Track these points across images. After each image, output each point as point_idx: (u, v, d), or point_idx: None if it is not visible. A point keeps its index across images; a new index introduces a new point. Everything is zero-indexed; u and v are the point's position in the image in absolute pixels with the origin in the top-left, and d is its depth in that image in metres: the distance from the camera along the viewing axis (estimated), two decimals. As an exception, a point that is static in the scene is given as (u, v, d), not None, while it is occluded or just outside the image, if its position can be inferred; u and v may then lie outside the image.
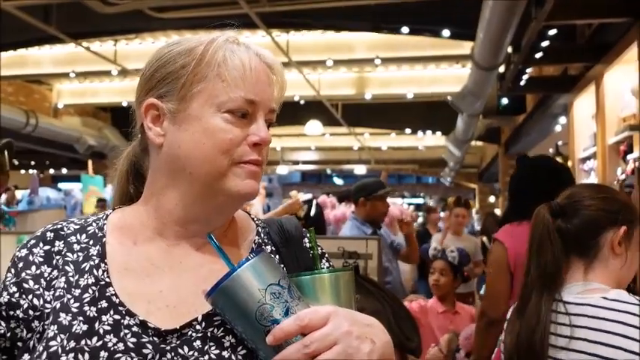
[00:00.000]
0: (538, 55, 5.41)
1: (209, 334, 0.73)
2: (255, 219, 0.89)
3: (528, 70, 6.05)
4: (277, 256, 0.83)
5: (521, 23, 4.89)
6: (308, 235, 0.88)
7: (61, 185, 16.28)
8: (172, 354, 0.71)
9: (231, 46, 0.79)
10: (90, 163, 7.02)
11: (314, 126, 10.34)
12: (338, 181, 21.68)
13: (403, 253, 3.47)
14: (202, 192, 0.77)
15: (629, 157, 4.51)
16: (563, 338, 1.13)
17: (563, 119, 7.23)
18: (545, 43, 5.19)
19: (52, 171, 15.67)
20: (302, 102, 10.89)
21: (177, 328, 0.73)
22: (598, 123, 5.34)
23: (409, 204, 15.42)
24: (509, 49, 5.77)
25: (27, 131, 9.54)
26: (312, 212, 2.84)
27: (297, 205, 2.66)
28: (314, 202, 2.88)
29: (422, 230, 7.15)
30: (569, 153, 6.65)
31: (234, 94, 0.76)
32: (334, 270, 0.77)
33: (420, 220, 10.84)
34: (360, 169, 14.45)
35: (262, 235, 0.86)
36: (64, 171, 15.06)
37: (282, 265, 0.82)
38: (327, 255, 0.88)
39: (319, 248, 0.85)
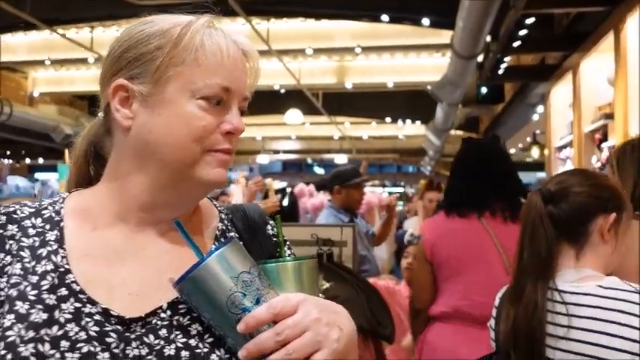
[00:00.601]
0: (516, 44, 5.45)
1: (175, 322, 0.71)
2: (218, 205, 0.87)
3: (507, 59, 6.09)
4: (241, 243, 0.82)
5: (500, 12, 4.91)
6: (271, 222, 0.87)
7: (37, 175, 16.02)
8: (137, 343, 0.70)
9: (209, 31, 0.77)
10: (67, 152, 6.91)
11: (294, 115, 10.31)
12: (319, 170, 21.66)
13: (376, 234, 3.49)
14: (171, 178, 0.75)
15: (604, 145, 4.57)
16: (562, 327, 1.13)
17: (540, 108, 7.31)
18: (523, 32, 5.23)
19: (28, 160, 15.41)
20: (282, 91, 10.84)
21: (142, 316, 0.72)
22: (574, 112, 5.40)
23: (390, 193, 15.50)
24: (488, 38, 5.79)
25: (1, 120, 9.35)
26: (286, 201, 2.83)
27: (274, 206, 2.65)
28: (287, 190, 2.87)
29: (402, 218, 7.19)
30: (546, 142, 6.73)
31: (210, 80, 0.74)
32: (298, 258, 0.77)
33: (400, 207, 10.91)
34: (340, 159, 14.45)
35: (226, 221, 0.84)
36: (41, 161, 14.82)
37: None
38: (288, 242, 0.87)
39: (282, 235, 0.84)
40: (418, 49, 9.74)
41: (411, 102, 10.92)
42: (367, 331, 1.83)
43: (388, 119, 12.03)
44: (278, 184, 2.90)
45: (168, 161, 0.75)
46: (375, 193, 4.30)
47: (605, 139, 4.65)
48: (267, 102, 11.64)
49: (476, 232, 1.96)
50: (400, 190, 18.36)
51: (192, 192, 0.78)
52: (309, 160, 19.70)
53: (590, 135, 5.05)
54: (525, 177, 15.72)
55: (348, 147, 15.09)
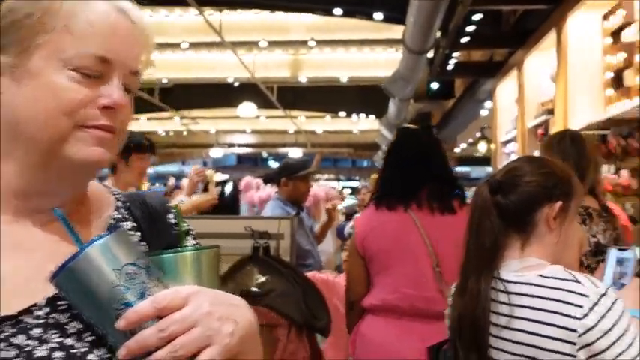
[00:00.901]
0: (464, 40, 5.54)
1: (52, 320, 0.66)
2: (116, 193, 0.82)
3: (456, 55, 6.18)
4: (139, 233, 0.77)
5: (450, 8, 4.97)
6: (174, 210, 0.82)
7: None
8: (5, 344, 0.63)
9: None
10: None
11: (248, 108, 10.20)
12: (274, 164, 21.54)
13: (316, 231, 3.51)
14: (42, 160, 0.69)
15: (546, 140, 4.70)
16: (504, 317, 1.14)
17: (489, 104, 7.46)
18: (470, 28, 5.31)
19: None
20: (236, 84, 10.71)
21: (14, 314, 0.65)
22: (519, 107, 5.54)
23: (344, 187, 15.56)
24: (439, 34, 5.86)
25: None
26: (227, 193, 2.78)
27: (213, 200, 2.60)
28: (229, 183, 2.81)
29: (353, 212, 7.22)
30: (492, 137, 6.88)
31: (83, 49, 0.68)
32: (198, 247, 0.73)
33: (353, 201, 10.97)
34: (295, 153, 14.37)
35: (122, 210, 0.79)
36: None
37: (143, 243, 0.76)
38: (193, 232, 0.83)
39: (185, 225, 0.80)
40: (372, 43, 9.78)
41: (365, 97, 10.98)
42: (302, 325, 1.82)
43: (342, 114, 12.06)
44: (220, 177, 2.83)
45: (37, 139, 0.68)
46: (322, 187, 4.28)
47: (546, 134, 4.78)
48: (221, 95, 11.48)
49: (404, 225, 1.95)
50: (355, 184, 18.48)
51: (67, 175, 0.71)
52: (265, 154, 19.58)
53: (533, 130, 5.18)
54: (475, 172, 16.05)
55: (303, 141, 15.05)
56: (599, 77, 4.06)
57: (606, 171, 3.77)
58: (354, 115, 12.08)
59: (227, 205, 2.77)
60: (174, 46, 8.98)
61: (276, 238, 2.05)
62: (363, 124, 13.21)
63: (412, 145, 2.11)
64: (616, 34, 3.85)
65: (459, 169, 10.96)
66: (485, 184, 1.23)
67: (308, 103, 11.88)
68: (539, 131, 5.00)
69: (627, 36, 3.72)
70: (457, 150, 11.72)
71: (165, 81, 10.27)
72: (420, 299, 1.90)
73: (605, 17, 4.01)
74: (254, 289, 1.81)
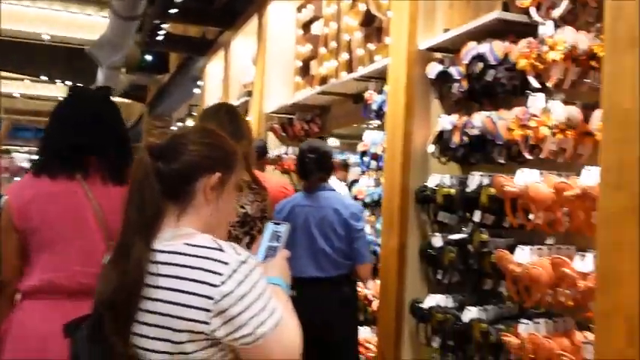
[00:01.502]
0: (173, 11, 5.36)
1: None
2: None
3: (165, 26, 5.97)
4: None
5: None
6: None
7: None
8: None
9: None
10: None
11: None
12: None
13: None
14: None
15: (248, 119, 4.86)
16: (151, 288, 1.08)
17: (202, 82, 7.46)
18: (179, 0, 5.16)
19: None
20: None
21: None
22: (224, 88, 5.63)
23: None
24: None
25: None
26: None
27: None
28: None
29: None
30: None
31: None
32: None
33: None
34: (-17, 118, 12.27)
35: None
36: None
37: None
38: None
39: None
40: (82, 3, 8.91)
41: (72, 61, 9.93)
42: None
43: (44, 77, 10.72)
44: None
45: None
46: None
47: (246, 114, 4.95)
48: None
49: (72, 195, 1.73)
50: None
51: None
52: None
53: (235, 110, 5.32)
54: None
55: (-6, 105, 12.91)
56: (291, 65, 4.33)
57: (291, 152, 4.05)
58: (57, 81, 10.85)
59: None
60: None
61: None
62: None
63: (86, 106, 1.85)
64: (306, 26, 4.15)
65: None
66: (146, 149, 1.12)
67: (1, 61, 10.23)
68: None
69: (315, 29, 4.04)
70: (173, 128, 11.53)
71: None
72: (89, 276, 1.69)
73: (299, 9, 4.28)
74: None
